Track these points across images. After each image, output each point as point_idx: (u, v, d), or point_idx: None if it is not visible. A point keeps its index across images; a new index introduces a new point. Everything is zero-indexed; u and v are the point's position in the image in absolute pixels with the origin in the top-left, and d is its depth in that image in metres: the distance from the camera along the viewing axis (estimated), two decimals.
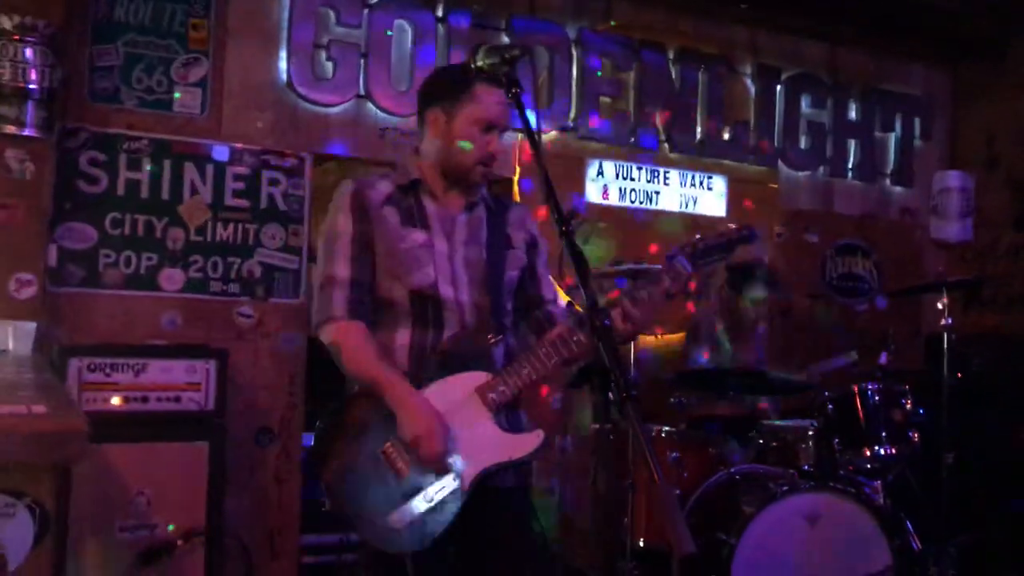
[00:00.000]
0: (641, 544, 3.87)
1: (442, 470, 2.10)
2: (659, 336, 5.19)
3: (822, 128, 5.86)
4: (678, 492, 3.81)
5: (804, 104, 5.82)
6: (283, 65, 4.43)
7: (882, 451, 3.85)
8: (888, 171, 6.11)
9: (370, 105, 4.62)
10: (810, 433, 3.96)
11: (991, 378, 5.26)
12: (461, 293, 2.29)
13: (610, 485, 1.97)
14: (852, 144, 5.97)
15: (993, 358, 5.40)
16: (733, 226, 2.45)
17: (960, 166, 6.15)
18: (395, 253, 2.27)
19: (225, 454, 3.86)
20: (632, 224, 5.28)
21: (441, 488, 2.09)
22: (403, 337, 2.27)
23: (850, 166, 5.96)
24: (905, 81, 6.20)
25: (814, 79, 5.84)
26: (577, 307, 4.48)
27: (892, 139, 6.13)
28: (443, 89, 2.39)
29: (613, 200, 5.23)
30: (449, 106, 2.34)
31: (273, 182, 4.38)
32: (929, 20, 5.69)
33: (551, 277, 2.59)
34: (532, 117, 1.85)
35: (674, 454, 3.84)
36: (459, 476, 2.10)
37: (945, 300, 4.33)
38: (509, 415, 2.24)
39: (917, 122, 6.19)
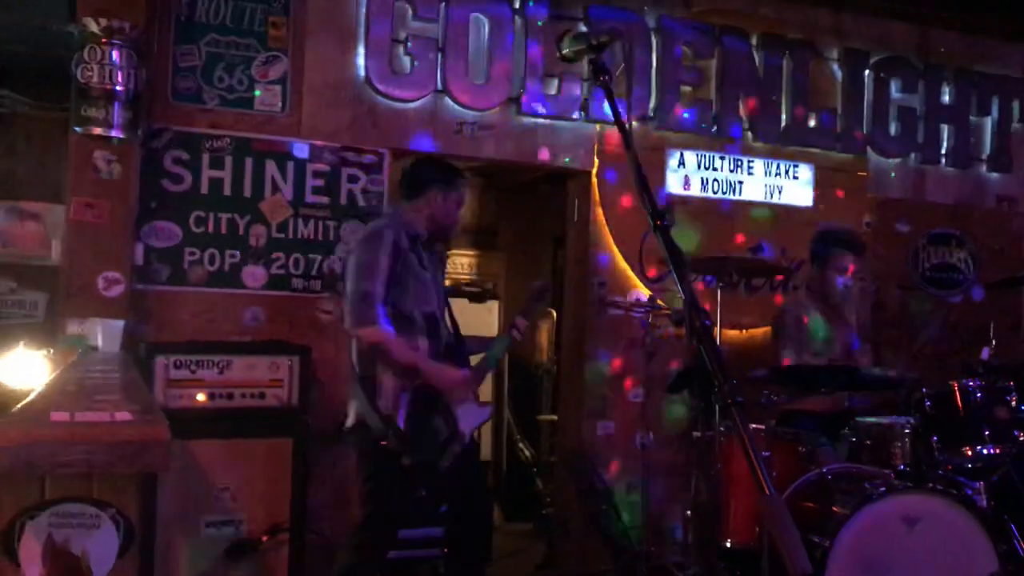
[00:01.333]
0: (728, 545, 3.76)
1: (458, 430, 3.31)
2: (743, 332, 5.06)
3: (913, 113, 5.63)
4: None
5: (894, 88, 5.60)
6: (361, 61, 4.43)
7: (984, 451, 3.65)
8: (984, 156, 5.85)
9: (448, 100, 4.59)
10: (906, 431, 3.77)
11: None
12: (443, 316, 3.45)
13: (710, 494, 1.91)
14: (945, 129, 5.73)
15: None
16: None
17: None
18: (418, 287, 3.27)
19: (308, 449, 3.88)
20: (715, 215, 5.15)
21: (458, 444, 3.31)
22: (423, 344, 3.30)
23: (943, 152, 5.72)
24: (1001, 62, 5.91)
25: (904, 62, 5.61)
26: (660, 301, 4.40)
27: (988, 123, 5.86)
28: (441, 176, 3.47)
29: (695, 191, 5.11)
30: (445, 189, 3.44)
31: (352, 178, 4.39)
32: None
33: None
34: (620, 109, 1.78)
35: (764, 453, 3.71)
36: (465, 435, 3.34)
37: None
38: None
39: (1016, 105, 5.90)
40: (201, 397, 3.67)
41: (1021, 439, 3.65)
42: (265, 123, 4.27)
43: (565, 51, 1.93)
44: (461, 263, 7.58)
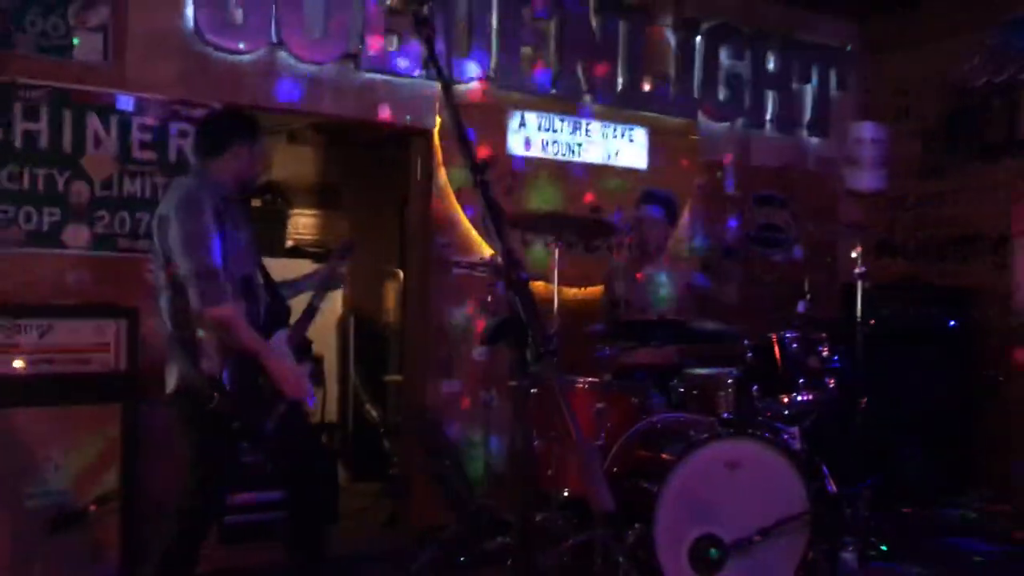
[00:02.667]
0: (566, 494, 3.90)
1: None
2: (582, 289, 5.21)
3: (741, 79, 5.89)
4: (601, 443, 3.84)
5: (723, 55, 5.83)
6: (190, 11, 4.24)
7: (799, 398, 3.92)
8: (805, 122, 6.19)
9: (283, 53, 4.46)
10: (730, 381, 4.00)
11: (902, 323, 5.42)
12: (257, 277, 3.26)
13: (528, 441, 1.98)
14: (770, 95, 6.02)
15: (903, 304, 5.57)
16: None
17: (873, 117, 6.26)
18: (235, 250, 3.09)
19: (139, 416, 3.74)
20: (556, 175, 5.25)
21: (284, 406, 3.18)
22: (243, 309, 3.10)
23: (768, 117, 6.02)
24: (821, 32, 6.26)
25: (733, 30, 5.85)
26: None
27: (809, 90, 6.20)
28: (244, 128, 3.28)
29: (536, 152, 5.18)
30: (250, 142, 3.26)
31: (183, 133, 4.21)
32: None
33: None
34: (441, 64, 1.79)
35: (598, 405, 3.86)
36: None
37: (859, 250, 4.42)
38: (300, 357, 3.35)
39: (833, 73, 6.27)
40: (19, 364, 3.47)
41: (831, 386, 3.94)
42: (86, 73, 4.03)
43: (395, 3, 1.90)
44: (304, 223, 7.42)
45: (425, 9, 1.79)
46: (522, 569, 1.65)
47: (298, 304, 3.49)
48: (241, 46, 4.34)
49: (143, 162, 4.13)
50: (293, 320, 3.40)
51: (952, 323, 5.55)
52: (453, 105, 1.69)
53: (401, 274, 6.30)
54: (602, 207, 5.35)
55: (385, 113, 4.79)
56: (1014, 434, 5.41)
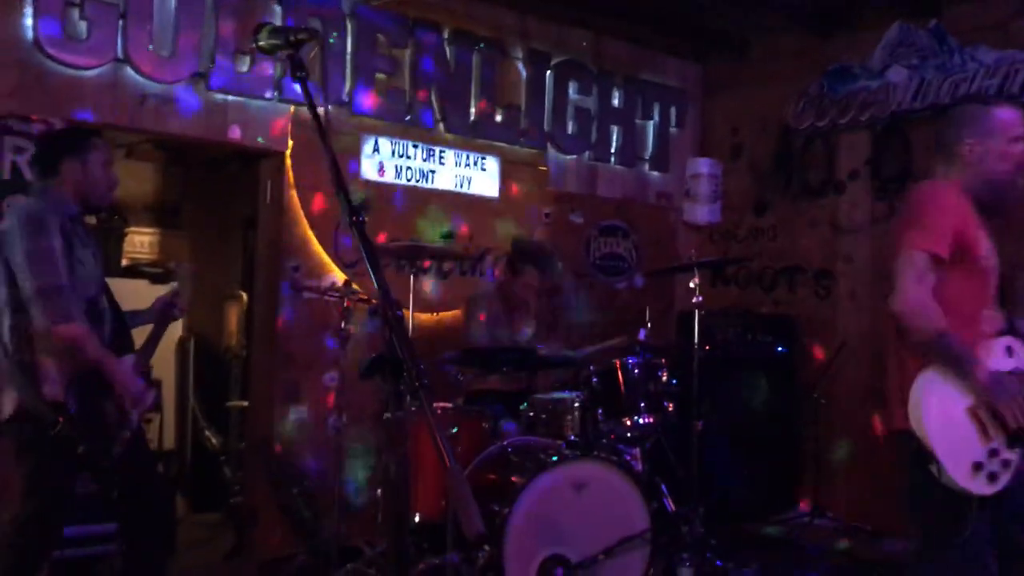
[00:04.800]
0: (417, 519, 3.94)
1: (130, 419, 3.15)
2: (434, 315, 5.27)
3: (588, 114, 6.13)
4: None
5: (572, 90, 6.05)
6: (29, 22, 4.06)
7: (640, 420, 4.12)
8: (647, 156, 6.50)
9: (129, 70, 4.33)
10: (576, 405, 4.16)
11: (734, 349, 5.75)
12: (103, 299, 3.20)
13: (404, 471, 2.04)
14: (615, 130, 6.29)
15: (735, 330, 5.92)
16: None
17: (709, 153, 6.64)
18: (80, 271, 3.05)
19: None
20: (409, 202, 5.30)
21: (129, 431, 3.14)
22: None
23: (613, 151, 6.28)
24: (662, 72, 6.60)
25: (580, 66, 6.09)
26: (355, 286, 4.46)
27: (651, 126, 6.52)
28: (70, 144, 3.19)
29: (389, 178, 5.22)
30: (81, 156, 3.15)
31: (17, 149, 4.01)
32: (680, 14, 6.07)
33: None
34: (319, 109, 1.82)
35: (452, 429, 3.92)
36: (132, 417, 3.16)
37: (696, 280, 4.68)
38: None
39: (673, 111, 6.62)
40: None
41: (669, 409, 4.15)
42: None
43: (261, 43, 1.91)
44: (141, 242, 7.14)
45: (301, 53, 1.81)
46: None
47: (138, 333, 3.41)
48: (84, 61, 4.18)
49: None
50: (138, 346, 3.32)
51: (780, 349, 5.93)
52: (331, 149, 1.72)
53: (245, 296, 6.17)
54: (458, 235, 5.44)
55: (235, 134, 4.71)
56: (834, 454, 5.83)
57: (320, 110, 1.75)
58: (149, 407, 3.31)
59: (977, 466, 2.61)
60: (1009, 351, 2.75)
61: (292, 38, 1.83)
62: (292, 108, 4.85)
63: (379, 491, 4.36)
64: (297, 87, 1.93)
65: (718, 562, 4.38)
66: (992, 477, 2.62)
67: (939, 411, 2.65)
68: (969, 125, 2.83)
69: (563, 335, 5.34)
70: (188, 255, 7.08)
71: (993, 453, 2.63)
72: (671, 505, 4.36)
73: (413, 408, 1.53)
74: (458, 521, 1.50)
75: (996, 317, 2.81)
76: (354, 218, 1.66)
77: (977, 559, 2.70)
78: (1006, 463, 2.65)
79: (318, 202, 4.95)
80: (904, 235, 2.74)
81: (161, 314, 3.44)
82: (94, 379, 3.02)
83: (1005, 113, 2.84)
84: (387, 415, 1.53)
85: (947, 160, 2.85)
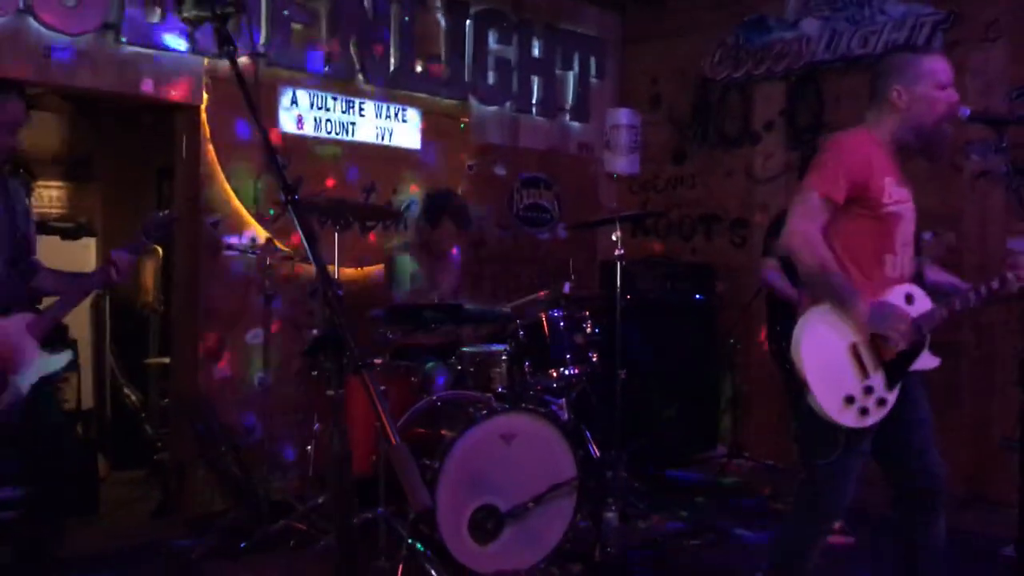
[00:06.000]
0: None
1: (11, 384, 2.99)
2: (359, 270, 5.24)
3: (508, 64, 6.11)
4: None
5: (492, 40, 6.01)
6: None
7: (567, 371, 4.20)
8: (568, 107, 6.52)
9: (32, 20, 4.15)
10: (504, 358, 4.22)
11: (655, 297, 5.89)
12: None
13: (345, 446, 2.07)
14: (536, 80, 6.28)
15: (656, 279, 6.04)
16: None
17: (629, 104, 6.70)
18: None
19: None
20: (329, 155, 5.23)
21: (8, 396, 3.00)
22: None
23: (534, 101, 6.28)
24: (582, 21, 6.60)
25: (500, 15, 6.04)
26: (276, 242, 4.41)
27: (571, 76, 6.53)
28: None
29: (308, 130, 5.14)
30: None
31: None
32: None
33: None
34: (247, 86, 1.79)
35: (380, 386, 3.94)
36: (20, 387, 3.03)
37: (619, 233, 4.76)
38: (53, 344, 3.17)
39: (593, 61, 6.64)
40: None
41: (594, 360, 4.25)
42: None
43: (186, 14, 1.86)
44: (49, 196, 6.91)
45: (229, 25, 1.77)
46: (346, 570, 1.72)
47: None
48: None
49: None
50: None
51: (698, 297, 6.09)
52: (263, 130, 1.71)
53: (160, 251, 6.03)
54: (377, 186, 5.40)
55: (148, 87, 4.57)
56: (750, 396, 6.06)
57: (247, 88, 1.69)
58: (52, 372, 3.16)
59: (848, 399, 2.77)
60: (909, 298, 2.87)
61: (219, 11, 1.79)
62: (206, 61, 4.72)
63: (309, 447, 4.38)
64: (220, 55, 1.89)
65: (641, 505, 4.55)
66: (863, 411, 2.78)
67: (817, 343, 2.79)
68: (898, 72, 2.92)
69: (489, 286, 5.38)
70: (100, 208, 6.88)
71: (868, 390, 2.79)
72: (596, 452, 4.48)
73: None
74: (393, 479, 1.55)
75: (902, 263, 2.92)
76: (289, 198, 1.65)
77: (833, 483, 2.87)
78: (881, 401, 2.80)
79: (236, 157, 4.85)
80: (805, 179, 2.87)
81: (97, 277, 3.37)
82: None
83: (933, 61, 2.94)
84: (329, 392, 1.55)
85: (877, 107, 2.95)
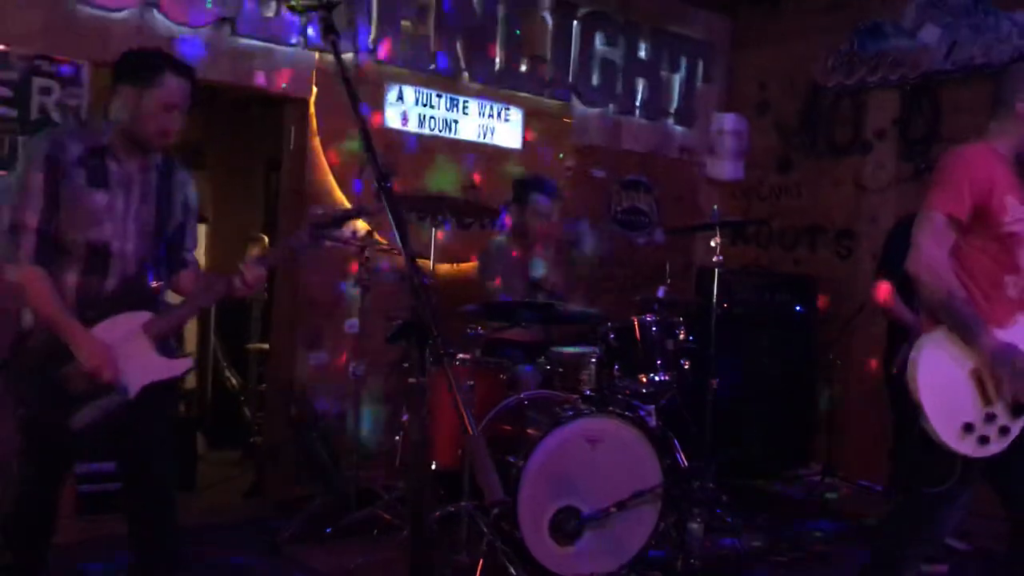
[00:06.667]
0: (434, 467, 4.03)
1: (116, 385, 2.66)
2: (455, 266, 5.29)
3: (614, 66, 6.07)
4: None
5: (598, 41, 5.99)
6: None
7: (656, 378, 4.15)
8: (672, 110, 6.44)
9: (156, 12, 4.33)
10: (592, 360, 4.20)
11: (752, 308, 5.77)
12: (127, 244, 2.76)
13: (424, 435, 2.09)
14: (641, 83, 6.23)
15: (754, 289, 5.92)
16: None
17: (735, 109, 6.58)
18: (78, 210, 2.67)
19: None
20: (432, 152, 5.29)
21: (112, 398, 2.66)
22: (72, 279, 2.71)
23: (638, 104, 6.23)
24: (690, 24, 6.51)
25: (607, 17, 6.01)
26: (376, 235, 4.46)
27: (677, 80, 6.44)
28: (135, 71, 2.74)
29: (412, 127, 5.21)
30: (140, 86, 2.70)
31: (45, 90, 4.03)
32: None
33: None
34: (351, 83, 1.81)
35: (467, 382, 3.98)
36: (127, 389, 2.69)
37: (718, 239, 4.67)
38: (165, 346, 2.84)
39: (700, 64, 6.54)
40: None
41: (685, 367, 4.19)
42: None
43: (292, 3, 1.91)
44: None
45: (330, 14, 1.81)
46: (419, 557, 1.74)
47: None
48: (112, 2, 4.17)
49: (2, 119, 3.93)
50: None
51: (798, 308, 5.93)
52: (363, 119, 1.74)
53: (266, 239, 6.21)
54: (478, 185, 5.44)
55: (260, 80, 4.71)
56: (848, 415, 5.87)
57: (351, 68, 1.71)
58: (166, 377, 2.79)
59: (967, 427, 2.63)
60: None
61: (324, 0, 1.82)
62: (317, 55, 4.84)
63: (397, 437, 4.44)
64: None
65: (728, 518, 4.46)
66: (983, 440, 2.65)
67: (937, 368, 2.67)
68: None
69: (585, 287, 5.33)
70: (210, 196, 7.12)
71: (990, 418, 2.65)
72: (684, 461, 4.42)
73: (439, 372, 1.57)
74: (475, 476, 1.55)
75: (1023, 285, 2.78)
76: (382, 184, 1.67)
77: (939, 513, 2.76)
78: (1004, 430, 2.66)
79: (340, 151, 4.96)
80: (928, 196, 2.75)
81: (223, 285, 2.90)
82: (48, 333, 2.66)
83: None
84: (411, 380, 1.55)
85: (1002, 119, 2.82)
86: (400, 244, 1.65)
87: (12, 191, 2.65)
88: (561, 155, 5.85)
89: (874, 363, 5.55)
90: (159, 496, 2.87)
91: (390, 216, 1.68)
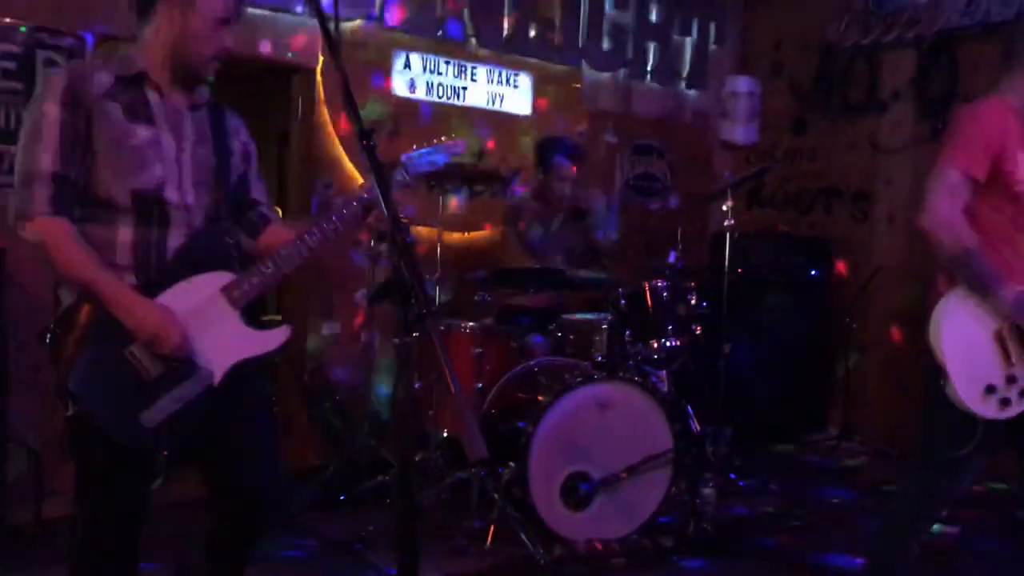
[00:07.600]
0: (444, 434, 4.04)
1: (186, 361, 2.11)
2: (465, 235, 5.27)
3: (624, 29, 5.99)
4: (480, 386, 3.96)
5: (608, 4, 5.91)
6: None
7: (668, 343, 4.13)
8: (684, 74, 6.35)
9: None
10: (603, 326, 4.18)
11: (767, 272, 5.71)
12: (187, 194, 2.23)
13: (410, 393, 2.04)
14: (652, 47, 6.15)
15: (769, 253, 5.86)
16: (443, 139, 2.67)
17: (748, 71, 6.48)
18: (121, 150, 2.15)
19: (7, 354, 3.64)
20: (440, 118, 5.25)
21: (191, 384, 2.11)
22: (125, 235, 2.16)
23: (649, 68, 6.15)
24: None
25: None
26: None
27: (689, 43, 6.35)
28: None
29: (420, 94, 5.17)
30: (184, 1, 2.22)
31: (49, 63, 4.02)
32: None
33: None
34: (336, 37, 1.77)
35: (477, 350, 3.97)
36: (210, 372, 2.13)
37: (730, 203, 4.62)
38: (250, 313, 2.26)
39: (712, 26, 6.44)
40: None
41: (697, 332, 4.16)
42: None
43: None
44: None
45: None
46: (403, 509, 1.72)
47: None
48: None
49: (5, 91, 3.94)
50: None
51: (813, 272, 5.87)
52: (343, 70, 1.71)
53: (279, 212, 6.19)
54: (489, 153, 5.40)
55: (266, 48, 4.68)
56: (864, 379, 5.82)
57: (334, 38, 1.65)
58: (258, 354, 2.24)
59: (990, 389, 2.60)
60: None
61: None
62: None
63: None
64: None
65: (740, 482, 4.44)
66: (1004, 403, 2.61)
67: (959, 329, 2.62)
68: None
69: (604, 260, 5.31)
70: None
71: (1011, 379, 2.61)
72: (696, 426, 4.40)
73: (423, 333, 1.54)
74: (489, 441, 1.52)
75: None
76: (364, 142, 1.64)
77: (956, 476, 2.72)
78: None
79: (349, 120, 4.93)
80: (942, 153, 2.69)
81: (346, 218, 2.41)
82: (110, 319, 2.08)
83: None
84: (395, 339, 1.50)
85: (1015, 69, 2.76)
86: (381, 200, 1.62)
87: (23, 137, 2.13)
88: (580, 131, 5.78)
89: (893, 327, 5.51)
90: (263, 515, 2.33)
91: (371, 171, 1.66)
